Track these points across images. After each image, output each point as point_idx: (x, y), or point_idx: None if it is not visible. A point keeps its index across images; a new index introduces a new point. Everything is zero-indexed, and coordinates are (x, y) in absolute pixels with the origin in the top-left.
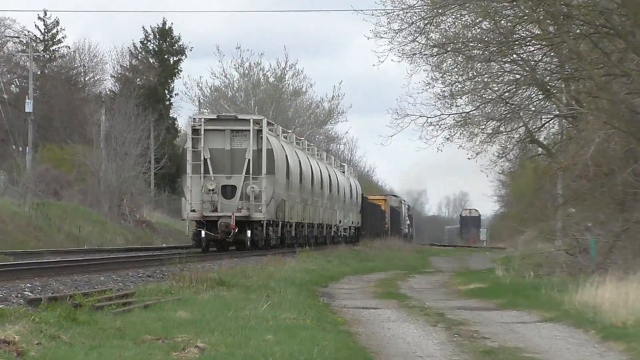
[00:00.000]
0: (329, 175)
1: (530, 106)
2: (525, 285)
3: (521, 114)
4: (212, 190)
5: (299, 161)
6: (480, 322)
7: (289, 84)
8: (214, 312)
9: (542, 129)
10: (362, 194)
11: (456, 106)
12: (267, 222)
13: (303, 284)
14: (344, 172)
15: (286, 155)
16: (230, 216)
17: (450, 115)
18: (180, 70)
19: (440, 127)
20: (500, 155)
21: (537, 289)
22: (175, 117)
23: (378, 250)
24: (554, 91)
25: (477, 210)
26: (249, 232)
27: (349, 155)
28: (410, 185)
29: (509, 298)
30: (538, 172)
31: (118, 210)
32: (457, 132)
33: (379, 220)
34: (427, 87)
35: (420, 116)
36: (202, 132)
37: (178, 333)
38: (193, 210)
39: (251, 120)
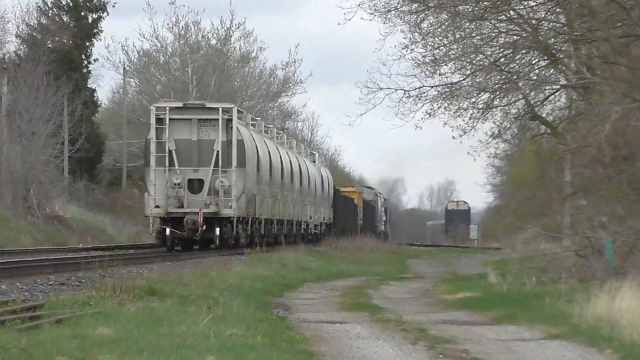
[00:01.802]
0: (299, 165)
1: (532, 74)
2: (525, 295)
3: (520, 84)
4: (178, 184)
5: (269, 152)
6: (470, 340)
7: (235, 48)
8: (143, 328)
9: (545, 103)
10: (334, 186)
11: (440, 75)
12: (237, 218)
13: (253, 293)
14: (314, 162)
15: (256, 146)
16: (198, 212)
17: (433, 87)
18: (101, 31)
19: (420, 99)
20: (494, 134)
21: (540, 299)
22: (94, 88)
23: (346, 252)
24: (561, 56)
25: (466, 203)
26: (217, 230)
27: (309, 135)
28: (384, 172)
29: (505, 310)
30: (541, 155)
31: (24, 204)
32: (441, 106)
33: (352, 215)
34: (405, 51)
35: (397, 89)
36: (167, 121)
37: (98, 354)
38: (157, 206)
39: (220, 109)
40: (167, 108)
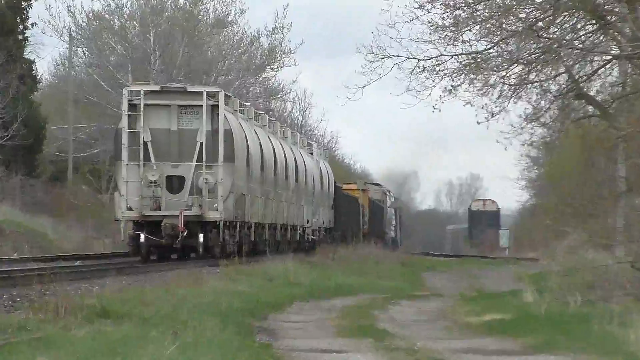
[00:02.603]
0: (295, 159)
1: (576, 42)
2: (568, 317)
3: (562, 53)
4: (155, 182)
5: (260, 143)
6: None
7: (208, 10)
8: (93, 359)
9: (593, 78)
10: (335, 183)
11: (463, 42)
12: (224, 222)
13: (230, 315)
14: (311, 154)
15: (246, 137)
16: (178, 216)
17: (454, 57)
18: None
19: (438, 73)
20: (529, 117)
21: (587, 322)
22: (33, 59)
23: (345, 263)
24: (613, 19)
25: (494, 202)
26: (201, 236)
27: (299, 118)
28: (393, 164)
29: (544, 336)
30: (587, 142)
31: None
32: (463, 82)
33: (356, 219)
34: (420, 11)
35: (409, 57)
36: (142, 107)
37: None
38: (130, 208)
39: (204, 93)
40: (142, 92)
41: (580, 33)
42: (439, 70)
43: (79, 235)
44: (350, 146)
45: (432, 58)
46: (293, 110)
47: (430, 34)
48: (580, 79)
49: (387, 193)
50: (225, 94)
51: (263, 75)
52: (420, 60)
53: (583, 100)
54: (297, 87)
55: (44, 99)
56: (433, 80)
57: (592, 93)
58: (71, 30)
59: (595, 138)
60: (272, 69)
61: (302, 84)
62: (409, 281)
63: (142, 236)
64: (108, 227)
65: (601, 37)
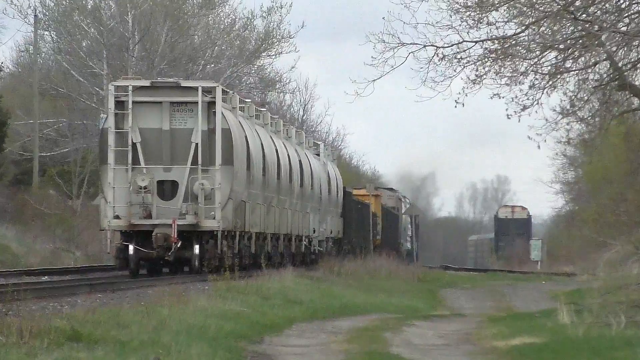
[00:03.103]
0: (300, 161)
1: (620, 25)
2: (611, 340)
3: (603, 38)
4: (144, 187)
5: (261, 144)
6: None
7: None
8: None
9: (639, 66)
10: (344, 188)
11: (488, 25)
12: (222, 232)
13: (220, 338)
14: (318, 155)
15: (246, 137)
16: (171, 225)
17: (478, 42)
18: None
19: (460, 61)
20: (565, 111)
21: (632, 347)
22: None
23: (352, 278)
24: None
25: (524, 209)
26: (196, 248)
27: (300, 112)
28: (407, 165)
29: None
30: (632, 140)
31: None
32: (489, 70)
33: (367, 228)
34: None
35: (426, 45)
36: (130, 105)
37: None
38: (117, 217)
39: (199, 89)
40: (130, 88)
41: (625, 14)
42: (461, 58)
43: (45, 247)
44: (358, 144)
45: (452, 45)
46: (293, 104)
47: (450, 16)
48: (624, 67)
49: (403, 199)
50: (223, 89)
51: (258, 63)
52: (439, 47)
53: (627, 92)
54: (298, 76)
55: (5, 90)
56: (454, 70)
57: (637, 83)
58: (37, 10)
59: None
60: (268, 55)
61: (303, 73)
62: (425, 299)
63: (131, 247)
64: (79, 237)
65: None
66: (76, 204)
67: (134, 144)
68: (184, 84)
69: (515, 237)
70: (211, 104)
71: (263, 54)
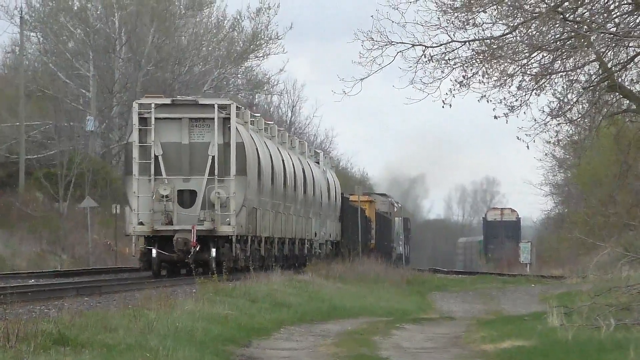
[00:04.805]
0: (303, 169)
1: (609, 25)
2: (600, 343)
3: (592, 38)
4: (166, 196)
5: (270, 155)
6: None
7: None
8: None
9: (630, 66)
10: (342, 194)
11: (476, 26)
12: (236, 237)
13: (208, 342)
14: (318, 163)
15: (257, 149)
16: (190, 230)
17: (466, 43)
18: None
19: (447, 62)
20: (554, 112)
21: (622, 350)
22: None
23: (340, 281)
24: None
25: (514, 211)
26: (213, 251)
27: (288, 114)
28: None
29: None
30: (623, 142)
31: None
32: (477, 71)
33: (364, 232)
34: None
35: (414, 45)
36: (152, 121)
37: None
38: (141, 223)
39: (215, 106)
40: (153, 105)
41: (614, 14)
42: (449, 59)
43: (31, 250)
44: (347, 145)
45: (440, 45)
46: (281, 105)
47: (438, 17)
48: (613, 68)
49: (395, 204)
50: (236, 105)
51: (246, 65)
52: (428, 47)
53: (617, 93)
54: (286, 77)
55: None
56: (442, 71)
57: (627, 84)
58: (23, 11)
59: (631, 136)
60: (256, 57)
61: (291, 75)
62: (415, 302)
63: (154, 251)
64: (65, 240)
65: (638, 20)
66: (62, 206)
67: (156, 157)
68: (202, 101)
69: (504, 240)
70: (226, 120)
71: (251, 56)
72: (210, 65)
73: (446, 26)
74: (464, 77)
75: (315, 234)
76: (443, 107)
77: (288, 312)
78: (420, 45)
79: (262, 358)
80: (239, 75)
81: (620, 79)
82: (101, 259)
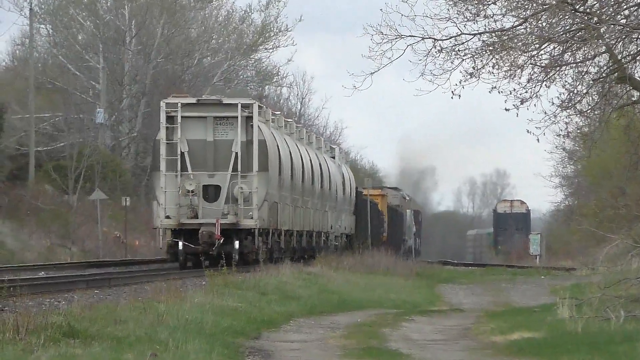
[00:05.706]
0: (320, 164)
1: (619, 17)
2: (610, 335)
3: (602, 30)
4: (192, 191)
5: (290, 151)
6: None
7: None
8: None
9: (639, 58)
10: (356, 188)
11: (486, 18)
12: (258, 230)
13: (217, 334)
14: (334, 158)
15: (278, 146)
16: (214, 224)
17: (476, 35)
18: None
19: (457, 54)
20: (564, 104)
21: (632, 342)
22: None
23: (349, 274)
24: None
25: (523, 203)
26: (237, 243)
27: (298, 106)
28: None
29: (581, 357)
30: (633, 134)
31: None
32: (487, 62)
33: (376, 225)
34: None
35: (424, 38)
36: (179, 119)
37: None
38: (168, 217)
39: (239, 105)
40: (179, 105)
41: (624, 6)
42: (459, 51)
43: (41, 243)
44: (357, 137)
45: (450, 37)
46: (290, 97)
47: (448, 9)
48: (623, 60)
49: (406, 198)
50: (258, 105)
51: (255, 57)
52: (438, 40)
53: (627, 84)
54: (296, 69)
55: (1, 84)
56: (452, 63)
57: (637, 76)
58: (32, 3)
59: None
60: (265, 49)
61: (300, 67)
62: (423, 294)
63: (180, 244)
64: (75, 233)
65: None
66: (72, 199)
67: (182, 153)
68: (226, 101)
69: (514, 232)
70: (249, 118)
71: (260, 48)
72: (220, 58)
73: (456, 17)
74: (473, 68)
75: (331, 226)
76: (452, 97)
77: (297, 304)
78: (430, 38)
79: (272, 350)
80: (248, 68)
81: (630, 71)
82: (111, 252)
